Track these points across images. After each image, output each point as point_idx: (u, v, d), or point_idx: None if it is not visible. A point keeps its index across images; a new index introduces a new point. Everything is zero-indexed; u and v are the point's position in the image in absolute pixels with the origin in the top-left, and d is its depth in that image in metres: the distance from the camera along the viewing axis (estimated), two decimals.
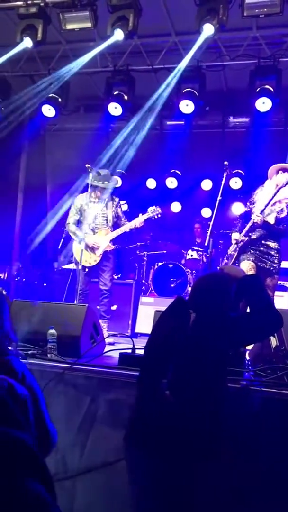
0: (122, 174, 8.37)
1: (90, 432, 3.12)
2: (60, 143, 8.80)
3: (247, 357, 3.37)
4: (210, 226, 4.99)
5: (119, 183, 8.84)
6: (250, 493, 2.69)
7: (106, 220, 5.58)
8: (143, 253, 7.97)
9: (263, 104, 6.12)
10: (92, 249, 5.49)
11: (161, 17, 6.28)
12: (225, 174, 5.00)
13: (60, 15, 5.71)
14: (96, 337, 3.84)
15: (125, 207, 8.45)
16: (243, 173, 8.28)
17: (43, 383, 3.10)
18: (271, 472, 2.67)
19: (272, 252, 4.74)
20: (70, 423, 3.14)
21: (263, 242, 4.76)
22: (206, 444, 2.16)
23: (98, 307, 5.42)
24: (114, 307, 6.19)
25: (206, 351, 2.27)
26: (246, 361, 3.30)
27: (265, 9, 5.16)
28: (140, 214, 5.66)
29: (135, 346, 3.49)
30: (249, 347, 3.45)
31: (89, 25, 5.65)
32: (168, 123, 8.54)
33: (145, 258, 7.92)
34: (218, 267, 3.30)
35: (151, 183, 9.09)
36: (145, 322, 6.17)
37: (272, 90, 6.07)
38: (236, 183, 8.28)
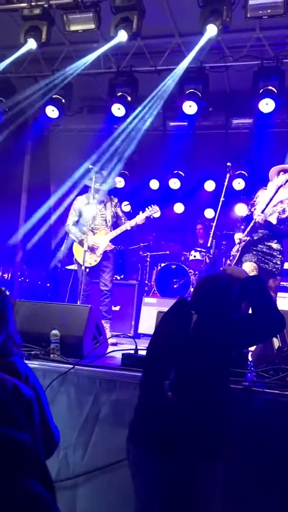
0: (124, 174, 8.37)
1: (93, 433, 3.12)
2: (64, 144, 8.82)
3: (250, 358, 3.36)
4: (213, 227, 4.98)
5: (121, 184, 8.86)
6: (252, 494, 2.69)
7: (105, 220, 5.60)
8: (146, 254, 7.98)
9: (266, 105, 6.13)
10: (92, 249, 5.51)
11: (165, 19, 6.29)
12: (228, 175, 5.00)
13: (63, 16, 5.72)
14: (99, 337, 3.84)
15: (127, 208, 8.48)
16: (246, 174, 8.28)
17: (46, 384, 3.11)
18: (273, 473, 2.67)
19: (275, 253, 4.74)
20: (73, 423, 3.15)
21: (265, 243, 4.75)
22: (208, 445, 2.17)
23: (100, 307, 5.43)
24: (116, 308, 6.19)
25: (208, 352, 2.27)
26: (249, 362, 3.29)
27: (269, 11, 5.17)
28: (141, 212, 5.69)
29: (138, 347, 3.48)
30: (252, 348, 3.44)
31: (92, 26, 5.67)
32: (171, 124, 8.55)
33: (148, 259, 7.93)
34: (221, 268, 3.29)
35: (154, 184, 9.09)
36: (148, 323, 6.17)
37: (275, 91, 6.07)
38: (239, 184, 8.29)
